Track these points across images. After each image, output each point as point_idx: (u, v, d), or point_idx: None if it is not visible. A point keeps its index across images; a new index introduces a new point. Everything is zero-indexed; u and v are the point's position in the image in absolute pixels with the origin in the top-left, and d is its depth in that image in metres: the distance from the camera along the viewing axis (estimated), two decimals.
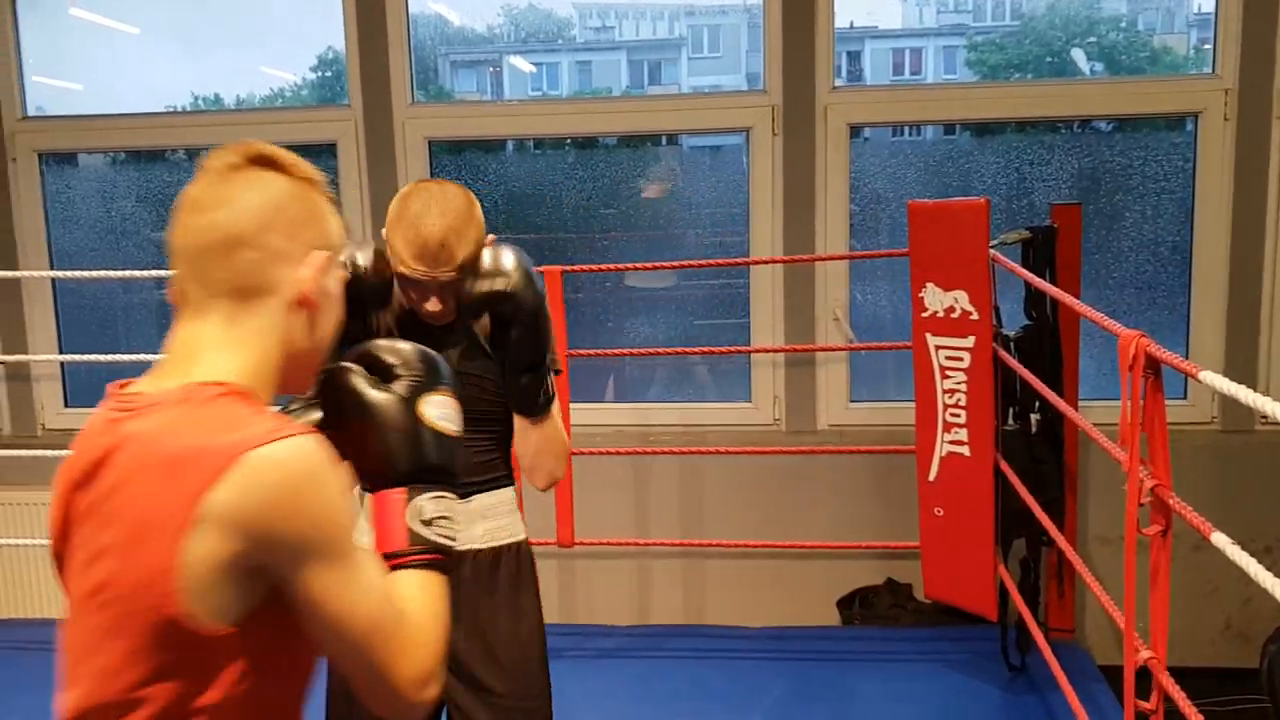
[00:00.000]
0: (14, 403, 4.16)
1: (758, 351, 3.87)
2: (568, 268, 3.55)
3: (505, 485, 2.11)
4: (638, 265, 3.87)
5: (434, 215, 1.86)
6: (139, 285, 4.25)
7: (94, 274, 3.99)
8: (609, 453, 3.73)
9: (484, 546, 2.08)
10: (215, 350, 1.09)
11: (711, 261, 3.95)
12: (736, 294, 3.99)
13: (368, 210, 3.89)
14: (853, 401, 3.89)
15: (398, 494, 1.14)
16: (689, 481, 3.90)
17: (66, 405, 4.18)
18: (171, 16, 4.26)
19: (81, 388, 4.20)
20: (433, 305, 1.93)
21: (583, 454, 3.60)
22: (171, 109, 4.27)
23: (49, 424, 4.17)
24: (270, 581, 1.02)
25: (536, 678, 2.14)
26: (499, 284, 1.88)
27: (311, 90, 4.29)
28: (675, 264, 3.90)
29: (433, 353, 1.24)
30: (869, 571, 3.86)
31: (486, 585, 2.07)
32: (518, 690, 2.11)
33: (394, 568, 1.12)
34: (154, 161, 4.33)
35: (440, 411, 1.19)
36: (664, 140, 4.14)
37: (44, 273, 4.08)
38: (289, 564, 1.01)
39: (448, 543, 1.15)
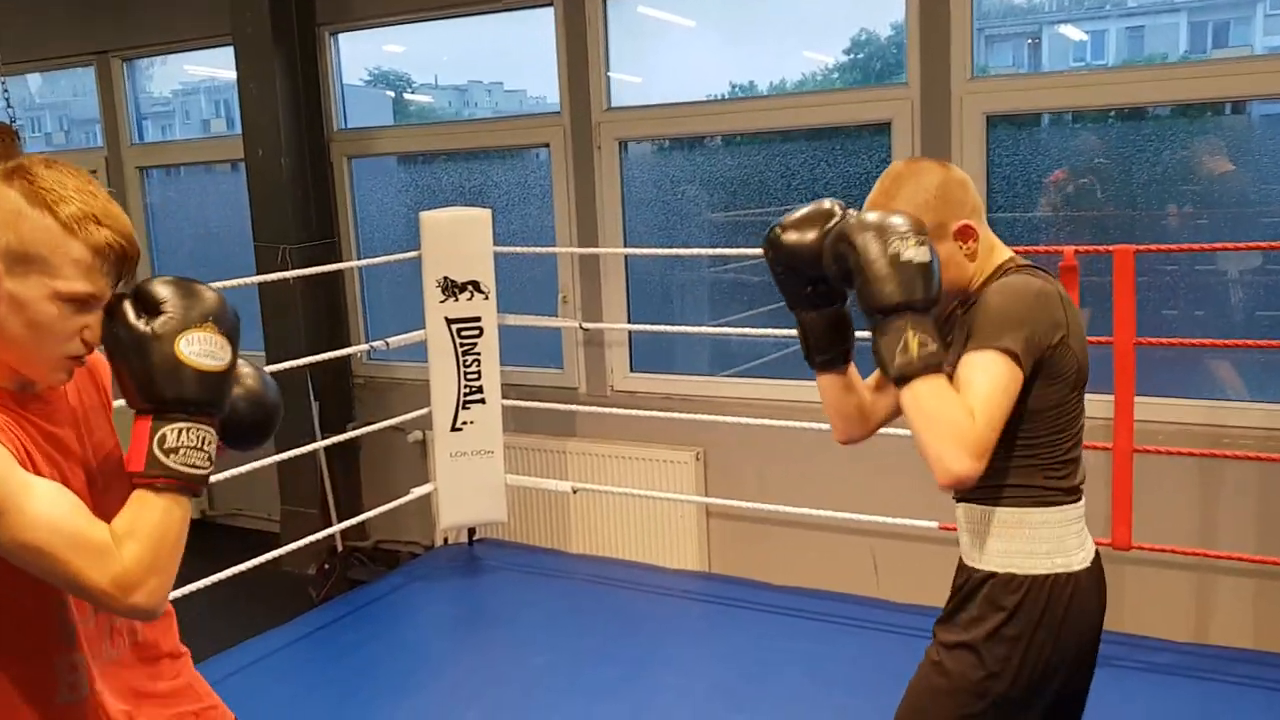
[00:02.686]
0: (590, 365, 4.67)
1: None
2: (1140, 247, 3.28)
3: (978, 501, 1.78)
4: (1227, 245, 3.44)
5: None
6: (695, 262, 4.58)
7: (658, 250, 4.38)
8: (1175, 453, 3.40)
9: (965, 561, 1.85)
10: None
11: None
12: None
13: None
14: None
15: (145, 422, 1.28)
16: (1272, 492, 3.45)
17: (632, 370, 4.62)
18: (724, 6, 4.48)
19: (644, 354, 4.61)
20: None
21: (1145, 452, 3.34)
22: (712, 97, 4.51)
23: (617, 385, 4.63)
24: None
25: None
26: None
27: (842, 73, 4.33)
28: (1274, 244, 3.44)
29: (201, 288, 1.31)
30: None
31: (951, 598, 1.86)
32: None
33: (135, 486, 1.27)
34: (693, 148, 4.60)
35: (198, 348, 1.27)
36: (1227, 109, 3.68)
37: (618, 250, 4.53)
38: None
39: (186, 470, 1.27)
